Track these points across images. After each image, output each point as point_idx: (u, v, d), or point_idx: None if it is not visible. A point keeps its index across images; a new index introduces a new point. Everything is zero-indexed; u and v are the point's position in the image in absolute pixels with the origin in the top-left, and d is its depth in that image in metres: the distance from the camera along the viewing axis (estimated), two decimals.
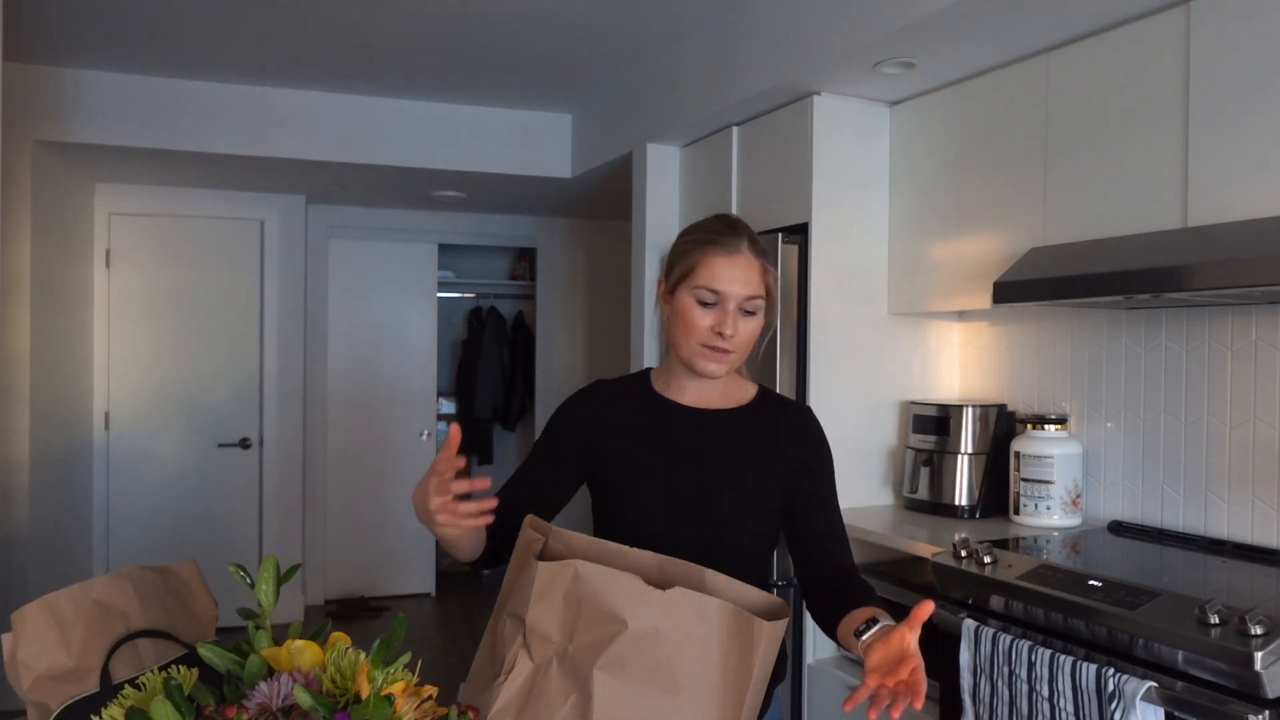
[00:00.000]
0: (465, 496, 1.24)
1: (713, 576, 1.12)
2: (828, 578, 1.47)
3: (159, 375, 4.90)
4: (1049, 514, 2.56)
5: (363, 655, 0.94)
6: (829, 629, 1.39)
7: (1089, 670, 1.77)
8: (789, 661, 2.93)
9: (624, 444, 1.51)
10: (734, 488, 1.47)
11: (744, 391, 1.56)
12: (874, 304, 3.03)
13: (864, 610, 1.32)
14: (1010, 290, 2.33)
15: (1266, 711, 1.56)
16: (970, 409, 2.78)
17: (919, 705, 1.10)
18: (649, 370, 1.60)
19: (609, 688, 0.99)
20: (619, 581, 1.02)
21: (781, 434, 1.52)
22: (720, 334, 1.42)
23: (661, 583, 1.07)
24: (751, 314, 1.44)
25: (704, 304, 1.43)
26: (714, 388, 1.53)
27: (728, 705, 1.02)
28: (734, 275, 1.42)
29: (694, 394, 1.53)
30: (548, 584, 1.04)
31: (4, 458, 3.76)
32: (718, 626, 1.02)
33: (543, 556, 1.15)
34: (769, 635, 1.02)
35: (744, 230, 1.46)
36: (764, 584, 1.49)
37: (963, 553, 2.18)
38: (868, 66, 2.70)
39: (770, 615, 1.08)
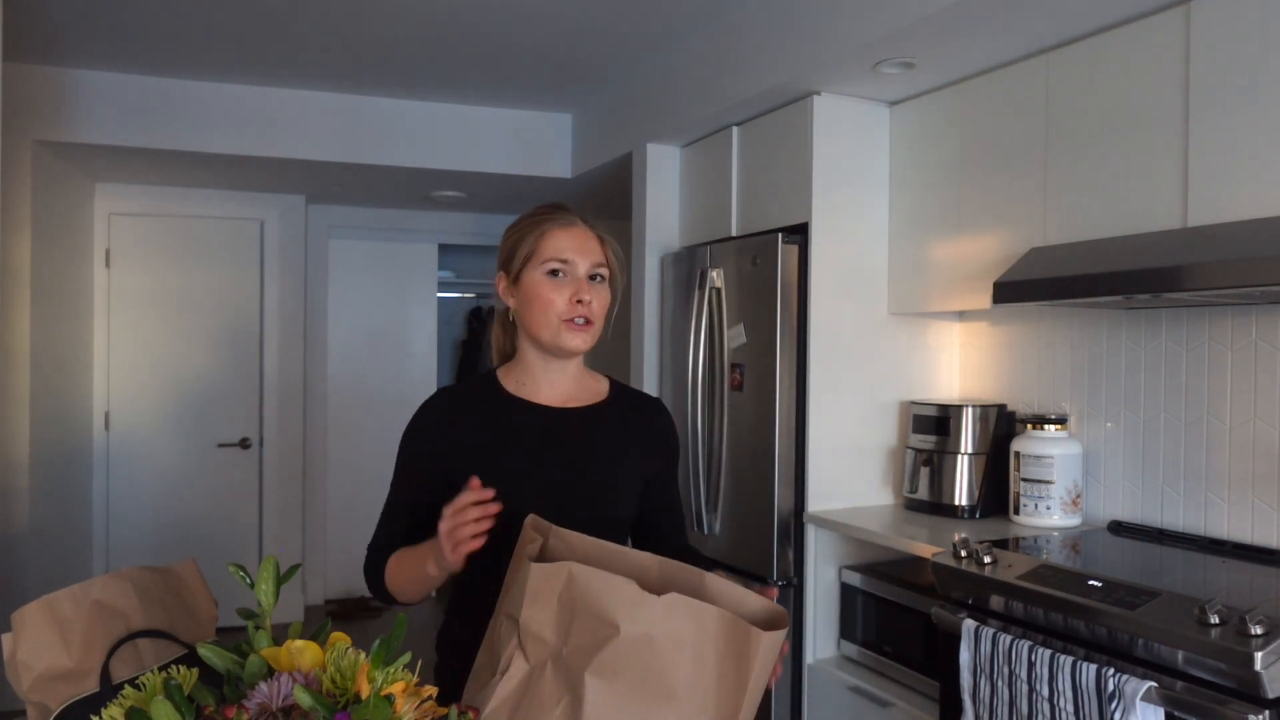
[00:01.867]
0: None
1: (712, 580, 1.11)
2: (670, 552, 1.46)
3: (159, 375, 4.90)
4: (1049, 514, 2.56)
5: (363, 655, 0.94)
6: None
7: (1089, 670, 1.77)
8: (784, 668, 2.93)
9: (481, 451, 1.45)
10: (604, 484, 1.48)
11: (598, 385, 1.57)
12: (874, 304, 3.03)
13: None
14: (1010, 290, 2.33)
15: (1266, 711, 1.56)
16: (970, 409, 2.78)
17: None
18: (494, 371, 1.55)
19: (600, 693, 0.99)
20: (613, 586, 1.01)
21: (642, 431, 1.55)
22: (579, 301, 1.43)
23: (660, 585, 1.07)
24: (601, 282, 1.48)
25: (555, 275, 1.44)
26: (568, 382, 1.52)
27: (723, 715, 1.01)
28: (578, 245, 1.45)
29: (549, 391, 1.51)
30: (541, 586, 1.03)
31: (4, 458, 3.76)
32: (714, 635, 1.00)
33: (542, 557, 1.15)
34: (767, 645, 1.01)
35: (573, 210, 1.51)
36: None
37: (963, 553, 2.18)
38: (868, 66, 2.69)
39: (770, 625, 1.07)
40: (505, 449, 1.46)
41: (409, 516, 1.48)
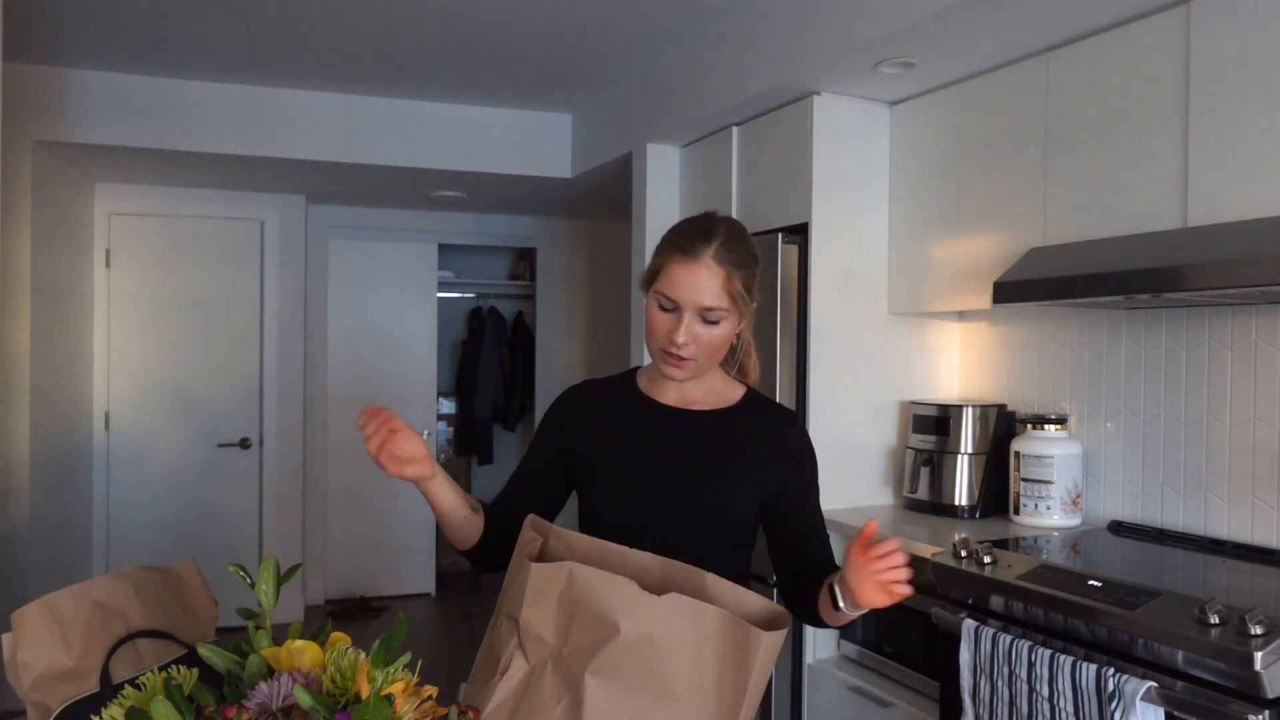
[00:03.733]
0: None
1: (713, 581, 1.12)
2: (807, 571, 1.47)
3: (159, 375, 4.90)
4: (1049, 514, 2.56)
5: (363, 655, 0.94)
6: (809, 612, 1.40)
7: (1089, 670, 1.77)
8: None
9: (605, 441, 1.52)
10: (711, 487, 1.47)
11: (731, 392, 1.55)
12: (874, 304, 3.03)
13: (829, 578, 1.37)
14: (1010, 290, 2.33)
15: (1266, 711, 1.56)
16: (970, 409, 2.78)
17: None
18: (636, 369, 1.60)
19: (600, 692, 0.99)
20: (613, 585, 1.01)
21: (766, 439, 1.51)
22: (673, 341, 1.40)
23: (660, 586, 1.07)
24: (713, 323, 1.41)
25: (664, 309, 1.42)
26: (698, 387, 1.52)
27: (722, 714, 1.01)
28: (692, 284, 1.38)
29: (676, 393, 1.53)
30: (541, 586, 1.04)
31: (4, 458, 3.76)
32: (713, 634, 1.01)
33: (542, 557, 1.15)
34: (767, 645, 1.01)
35: (716, 234, 1.40)
36: (744, 582, 1.49)
37: (963, 553, 2.18)
38: (868, 66, 2.70)
39: (770, 625, 1.07)
40: (619, 436, 1.51)
41: (525, 483, 1.56)
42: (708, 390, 1.53)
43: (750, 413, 1.54)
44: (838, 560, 1.52)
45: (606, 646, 0.99)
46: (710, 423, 1.51)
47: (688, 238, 1.41)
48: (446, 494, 1.39)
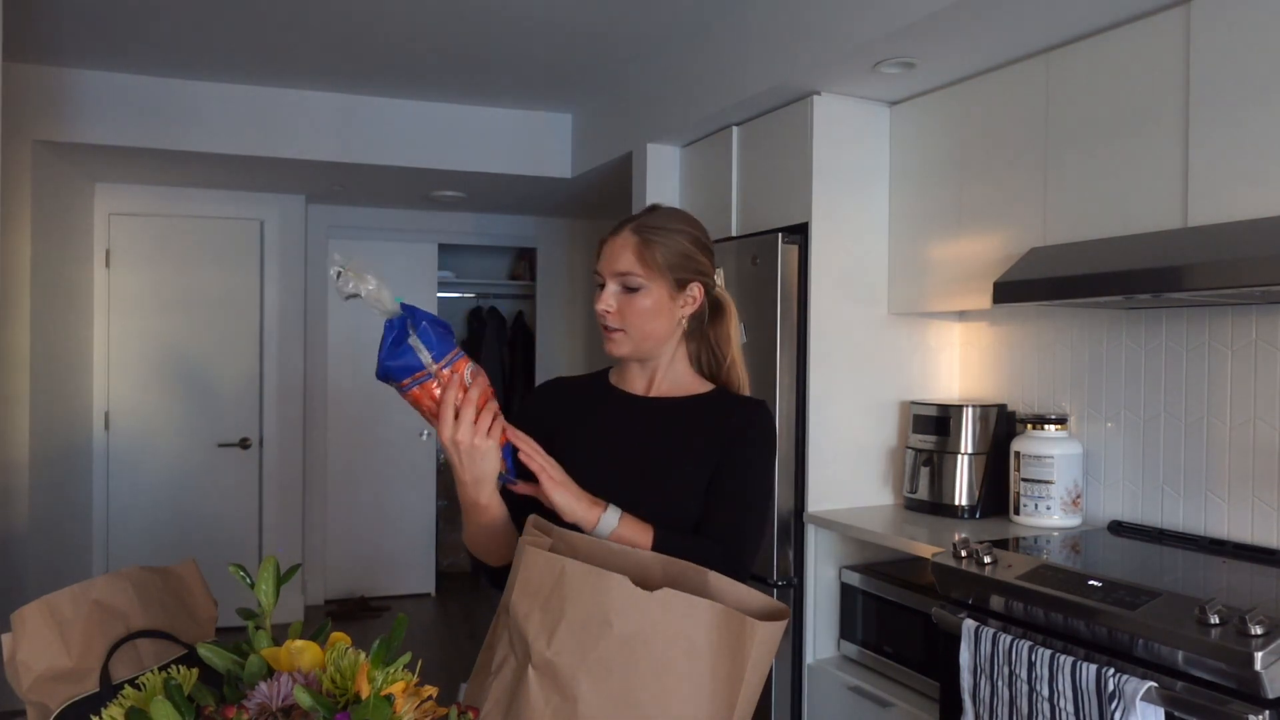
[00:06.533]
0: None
1: (715, 579, 1.12)
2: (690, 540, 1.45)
3: (159, 375, 4.90)
4: (1049, 514, 2.56)
5: (363, 655, 0.94)
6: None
7: (1089, 670, 1.77)
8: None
9: (576, 430, 1.54)
10: (675, 469, 1.48)
11: (699, 387, 1.58)
12: (874, 304, 3.03)
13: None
14: (1010, 290, 2.33)
15: (1266, 711, 1.56)
16: (970, 409, 2.78)
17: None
18: (609, 368, 1.65)
19: (593, 689, 0.99)
20: (606, 582, 1.01)
21: (727, 419, 1.52)
22: (599, 311, 1.50)
23: (661, 585, 1.07)
24: (633, 290, 1.48)
25: (598, 288, 1.52)
26: (666, 379, 1.56)
27: (718, 707, 1.01)
28: (609, 253, 1.51)
29: (644, 384, 1.57)
30: (536, 582, 1.03)
31: (4, 458, 3.76)
32: (706, 627, 1.00)
33: None
34: (762, 636, 1.01)
35: (641, 215, 1.53)
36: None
37: (963, 553, 2.18)
38: (868, 66, 2.69)
39: (767, 617, 1.07)
40: (585, 423, 1.55)
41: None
42: (673, 383, 1.57)
43: (715, 399, 1.56)
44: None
45: (600, 644, 0.99)
46: (670, 408, 1.54)
47: (618, 222, 1.55)
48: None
